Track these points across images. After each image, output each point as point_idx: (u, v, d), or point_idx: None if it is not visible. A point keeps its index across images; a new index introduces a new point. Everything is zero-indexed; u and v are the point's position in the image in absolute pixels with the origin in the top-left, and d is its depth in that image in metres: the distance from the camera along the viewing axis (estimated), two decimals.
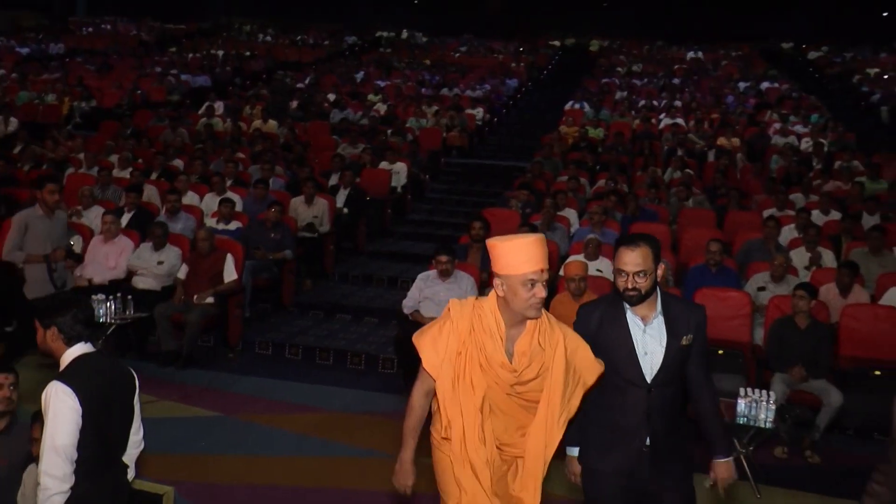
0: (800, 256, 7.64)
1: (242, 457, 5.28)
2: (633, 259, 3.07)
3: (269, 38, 28.11)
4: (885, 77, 20.56)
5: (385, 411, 6.09)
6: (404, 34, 28.96)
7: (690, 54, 24.77)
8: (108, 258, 7.27)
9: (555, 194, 9.49)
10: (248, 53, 23.47)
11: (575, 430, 3.21)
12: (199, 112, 15.24)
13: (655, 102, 17.64)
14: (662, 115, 16.26)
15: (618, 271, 3.13)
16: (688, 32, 27.60)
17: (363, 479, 5.03)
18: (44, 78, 18.49)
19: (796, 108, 16.71)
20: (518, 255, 2.86)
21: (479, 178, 13.48)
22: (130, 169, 10.39)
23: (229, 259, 7.10)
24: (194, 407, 6.03)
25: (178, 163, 11.19)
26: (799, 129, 14.99)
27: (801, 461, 5.56)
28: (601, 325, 3.17)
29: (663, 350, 3.13)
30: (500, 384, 2.96)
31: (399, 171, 11.54)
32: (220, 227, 8.20)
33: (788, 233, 8.30)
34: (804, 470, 5.46)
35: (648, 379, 3.12)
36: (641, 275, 3.07)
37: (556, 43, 27.82)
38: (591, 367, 3.07)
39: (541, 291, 2.87)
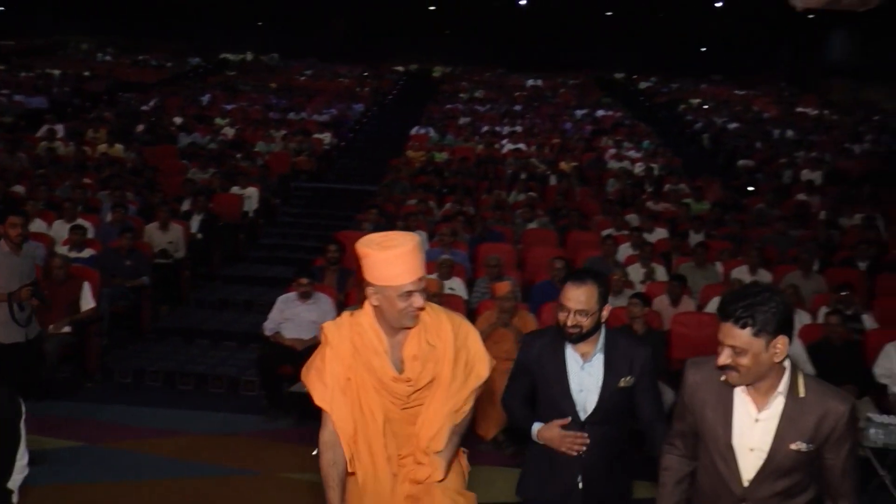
0: (636, 271, 8.42)
1: (111, 484, 5.33)
2: (577, 297, 3.03)
3: (108, 58, 27.28)
4: (706, 107, 22.39)
5: (250, 432, 6.29)
6: (249, 56, 28.82)
7: (530, 82, 25.94)
8: None
9: (406, 217, 9.93)
10: (86, 73, 22.72)
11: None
12: (38, 135, 14.71)
13: (498, 128, 18.47)
14: (505, 141, 17.08)
15: (560, 306, 3.08)
16: (527, 61, 28.88)
17: (232, 497, 5.21)
18: None
19: (629, 134, 17.98)
20: (394, 266, 2.69)
21: (329, 202, 13.75)
22: None
23: (86, 287, 7.05)
24: (56, 438, 5.96)
25: (20, 188, 10.88)
26: (632, 154, 16.13)
27: None
28: (540, 356, 3.15)
29: (599, 389, 3.08)
30: (396, 401, 2.82)
31: (251, 196, 11.66)
32: (73, 254, 8.11)
33: (625, 250, 9.03)
34: None
35: (582, 416, 3.09)
36: (583, 314, 3.03)
37: (400, 68, 28.49)
38: (482, 359, 2.92)
39: (418, 301, 2.72)
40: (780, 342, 2.41)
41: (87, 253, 8.28)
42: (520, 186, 12.71)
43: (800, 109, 22.28)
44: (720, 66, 29.33)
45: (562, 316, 3.07)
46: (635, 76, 28.29)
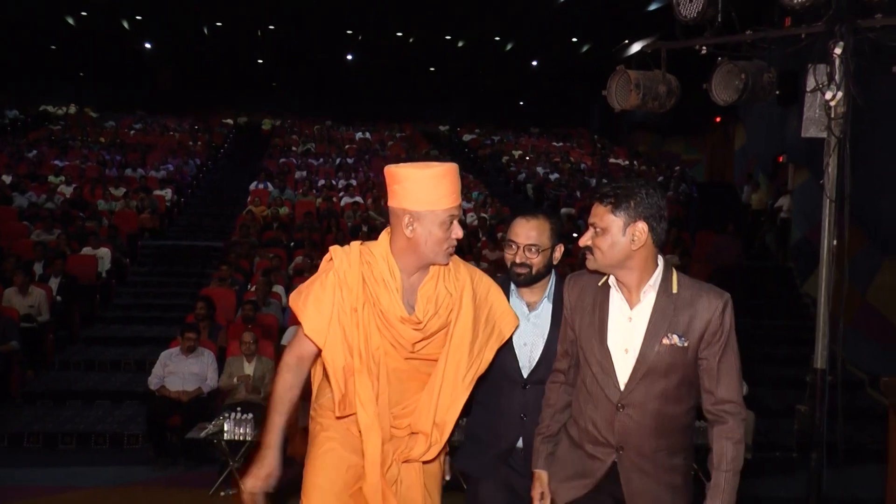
0: None
1: None
2: (527, 231, 2.85)
3: None
4: (527, 158, 24.16)
5: (142, 481, 6.69)
6: (73, 109, 28.20)
7: (359, 135, 26.92)
8: None
9: (267, 272, 10.52)
10: None
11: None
12: None
13: (334, 181, 19.29)
14: (342, 194, 17.91)
15: (508, 243, 2.88)
16: (354, 114, 29.91)
17: None
18: None
19: None
20: (437, 187, 2.50)
21: (178, 260, 14.05)
22: None
23: None
24: None
25: None
26: (464, 204, 17.33)
27: None
28: None
29: (544, 342, 2.87)
30: (399, 345, 2.58)
31: (103, 257, 11.87)
32: None
33: None
34: None
35: (525, 373, 2.86)
36: (533, 249, 2.83)
37: (230, 121, 28.77)
38: (506, 316, 2.75)
39: (458, 231, 2.55)
40: (640, 228, 2.44)
41: None
42: (363, 238, 13.49)
43: (612, 160, 24.40)
44: (537, 119, 31.57)
45: (508, 255, 2.87)
46: (459, 128, 29.98)
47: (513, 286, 2.94)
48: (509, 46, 26.40)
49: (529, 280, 2.87)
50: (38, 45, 27.17)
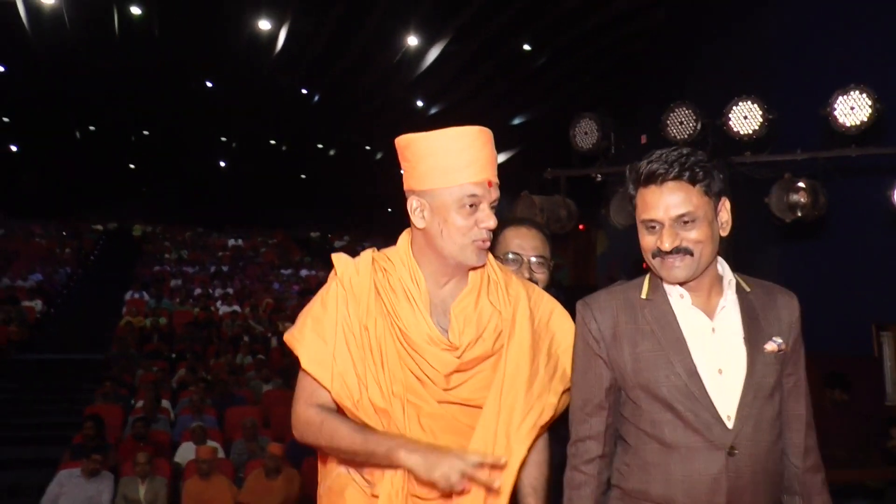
0: None
1: None
2: (531, 241, 2.41)
3: None
4: None
5: None
6: None
7: (231, 241, 27.02)
8: None
9: (153, 385, 10.52)
10: None
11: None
12: None
13: (210, 290, 19.32)
14: (220, 303, 17.97)
15: (510, 259, 2.40)
16: (225, 220, 29.98)
17: None
18: None
19: None
20: (451, 153, 1.88)
21: (51, 374, 13.63)
22: None
23: None
24: None
25: None
26: None
27: None
28: None
29: None
30: (428, 379, 1.89)
31: None
32: None
33: None
34: None
35: None
36: (542, 264, 2.42)
37: (99, 227, 28.24)
38: (570, 352, 2.06)
39: (488, 217, 1.90)
40: (727, 208, 1.91)
41: None
42: (245, 349, 13.70)
43: None
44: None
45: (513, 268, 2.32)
46: (330, 235, 30.50)
47: None
48: (379, 156, 27.39)
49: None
50: None
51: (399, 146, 1.99)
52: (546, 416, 1.95)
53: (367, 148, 26.82)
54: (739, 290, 1.95)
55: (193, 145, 26.65)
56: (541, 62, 15.47)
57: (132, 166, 30.13)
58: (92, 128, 25.00)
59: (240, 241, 27.25)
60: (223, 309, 17.47)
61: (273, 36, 16.55)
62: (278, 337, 15.01)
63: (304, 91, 20.71)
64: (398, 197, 2.03)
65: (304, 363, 1.90)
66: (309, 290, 19.95)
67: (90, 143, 26.69)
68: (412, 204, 1.95)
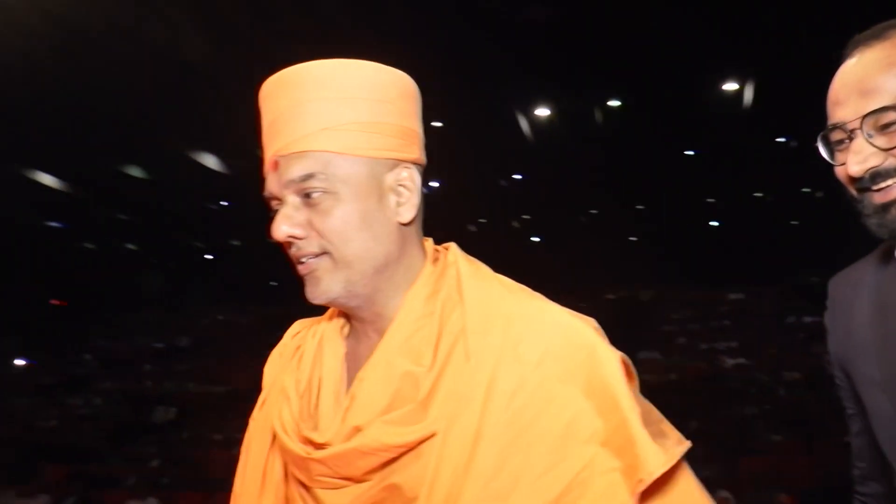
0: None
1: None
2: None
3: None
4: None
5: None
6: None
7: (732, 296, 26.95)
8: None
9: None
10: None
11: None
12: None
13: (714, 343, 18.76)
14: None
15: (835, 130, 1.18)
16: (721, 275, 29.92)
17: None
18: None
19: None
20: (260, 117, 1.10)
21: None
22: None
23: None
24: None
25: None
26: None
27: None
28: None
29: None
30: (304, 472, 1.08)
31: None
32: None
33: None
34: None
35: None
36: None
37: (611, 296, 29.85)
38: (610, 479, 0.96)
39: (277, 225, 1.04)
40: None
41: None
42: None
43: None
44: None
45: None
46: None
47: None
48: None
49: None
50: None
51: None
52: None
53: None
54: None
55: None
56: None
57: (633, 238, 31.58)
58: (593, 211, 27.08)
59: (740, 295, 26.84)
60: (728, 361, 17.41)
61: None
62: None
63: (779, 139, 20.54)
64: None
65: None
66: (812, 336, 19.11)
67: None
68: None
